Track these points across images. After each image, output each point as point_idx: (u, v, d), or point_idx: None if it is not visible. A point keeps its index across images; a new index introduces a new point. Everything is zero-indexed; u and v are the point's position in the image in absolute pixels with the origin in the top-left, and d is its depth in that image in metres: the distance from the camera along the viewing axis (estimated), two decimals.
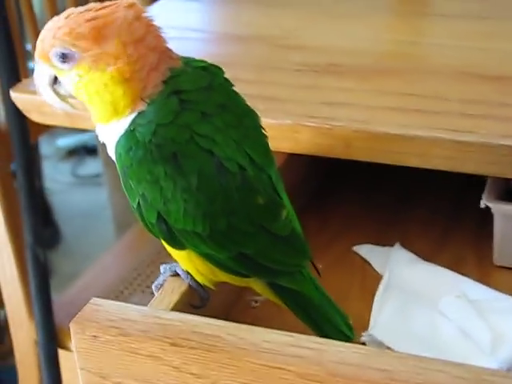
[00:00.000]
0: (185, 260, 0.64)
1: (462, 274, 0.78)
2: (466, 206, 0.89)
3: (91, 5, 0.60)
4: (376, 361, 0.54)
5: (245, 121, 0.63)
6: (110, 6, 0.60)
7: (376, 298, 0.75)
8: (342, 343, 0.56)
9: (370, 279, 0.80)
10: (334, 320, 0.66)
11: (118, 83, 0.58)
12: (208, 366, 0.56)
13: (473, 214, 0.84)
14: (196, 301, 0.67)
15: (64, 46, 0.58)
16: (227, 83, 0.64)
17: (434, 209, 0.91)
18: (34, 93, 0.68)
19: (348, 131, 0.75)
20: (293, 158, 0.83)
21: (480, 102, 0.80)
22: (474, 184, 0.81)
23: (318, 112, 0.78)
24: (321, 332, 0.66)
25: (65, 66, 0.59)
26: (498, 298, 0.74)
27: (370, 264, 0.82)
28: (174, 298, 0.65)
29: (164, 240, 0.63)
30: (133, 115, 0.60)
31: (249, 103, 0.65)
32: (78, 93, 0.60)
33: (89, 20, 0.58)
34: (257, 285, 0.67)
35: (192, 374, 0.57)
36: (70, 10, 0.59)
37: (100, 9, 0.59)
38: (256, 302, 0.78)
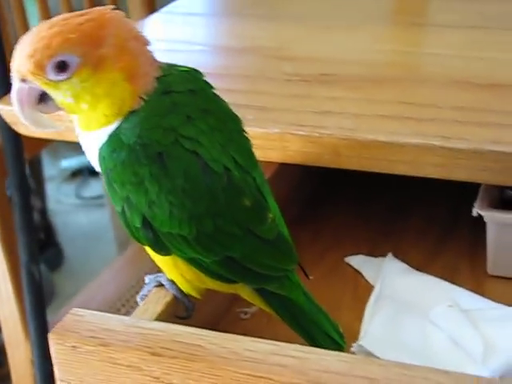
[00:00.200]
0: (170, 266, 0.63)
1: (456, 283, 0.77)
2: (460, 215, 0.88)
3: (69, 14, 0.59)
4: (360, 369, 0.53)
5: (228, 125, 0.63)
6: (95, 11, 0.59)
7: (367, 309, 0.74)
8: (326, 351, 0.55)
9: (362, 290, 0.78)
10: (324, 327, 0.65)
11: (125, 80, 0.58)
12: (189, 376, 0.55)
13: (467, 223, 0.83)
14: (181, 311, 0.66)
15: (63, 54, 0.56)
16: (208, 87, 0.64)
17: (428, 218, 0.90)
18: None
19: (337, 139, 0.74)
20: (284, 168, 0.82)
21: (471, 109, 0.79)
22: (468, 193, 0.80)
23: (307, 121, 0.77)
24: (311, 340, 0.65)
25: (61, 77, 0.57)
26: (491, 306, 0.72)
27: (362, 275, 0.81)
28: (158, 308, 0.64)
29: (149, 245, 0.62)
30: (118, 121, 0.59)
31: (239, 113, 0.65)
32: (79, 100, 0.58)
33: (81, 24, 0.57)
34: (244, 291, 0.66)
35: None
36: (51, 21, 0.58)
37: (85, 14, 0.58)
38: (246, 313, 0.76)
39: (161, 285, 0.66)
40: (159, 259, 0.63)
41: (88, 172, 2.63)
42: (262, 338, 0.57)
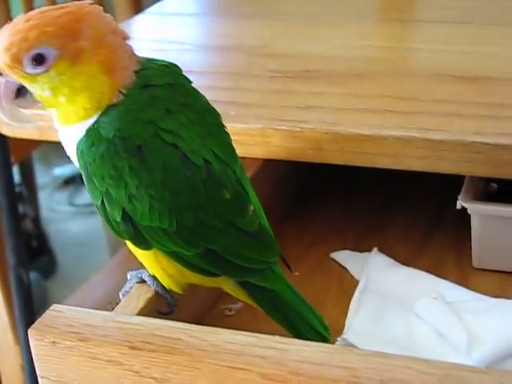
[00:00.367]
0: (151, 261, 0.63)
1: (442, 277, 0.76)
2: (446, 209, 0.87)
3: (46, 7, 0.59)
4: (339, 358, 0.52)
5: (207, 118, 0.63)
6: (73, 4, 0.59)
7: (352, 303, 0.73)
8: (306, 342, 0.54)
9: (347, 285, 0.78)
10: (309, 320, 0.65)
11: (104, 73, 0.58)
12: (169, 370, 0.55)
13: (453, 217, 0.83)
14: (163, 307, 0.66)
15: (40, 47, 0.56)
16: (187, 82, 0.64)
17: (414, 213, 0.89)
18: None
19: (319, 133, 0.74)
20: (269, 165, 0.82)
21: (454, 101, 0.79)
22: (454, 187, 0.80)
23: (289, 115, 0.77)
24: (297, 333, 0.64)
25: (39, 70, 0.57)
26: (475, 298, 0.72)
27: (347, 270, 0.80)
28: (140, 304, 0.64)
29: (130, 239, 0.61)
30: (97, 115, 0.58)
31: (220, 110, 0.65)
32: (57, 93, 0.58)
33: (58, 17, 0.57)
34: (227, 285, 0.65)
35: (153, 378, 0.55)
36: (28, 15, 0.58)
37: (62, 8, 0.58)
38: (230, 310, 0.76)
39: (143, 281, 0.66)
40: (140, 254, 0.63)
41: (81, 179, 2.60)
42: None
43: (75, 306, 1.20)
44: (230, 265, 0.62)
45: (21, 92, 0.59)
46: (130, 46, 0.60)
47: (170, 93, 0.61)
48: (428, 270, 0.78)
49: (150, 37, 1.07)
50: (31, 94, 0.58)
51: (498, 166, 0.71)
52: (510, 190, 0.78)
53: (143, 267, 0.65)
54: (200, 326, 0.57)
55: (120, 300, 0.66)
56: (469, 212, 0.76)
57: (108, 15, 0.60)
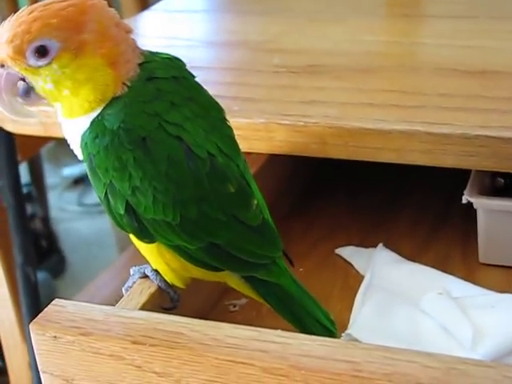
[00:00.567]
0: (155, 255, 0.63)
1: (448, 272, 0.76)
2: (452, 204, 0.87)
3: (50, 0, 0.59)
4: (342, 352, 0.52)
5: (211, 113, 0.63)
6: None
7: (356, 299, 0.73)
8: (307, 336, 0.54)
9: (353, 281, 0.77)
10: (315, 314, 0.64)
11: (107, 66, 0.57)
12: (170, 364, 0.54)
13: (459, 212, 0.82)
14: (166, 302, 0.66)
15: (43, 39, 0.56)
16: (191, 76, 0.64)
17: (420, 208, 0.89)
18: None
19: (323, 128, 0.74)
20: (274, 160, 0.82)
21: (459, 95, 0.78)
22: (460, 182, 0.79)
23: (293, 110, 0.77)
24: (302, 327, 0.64)
25: (41, 62, 0.56)
26: (481, 293, 0.71)
27: (352, 266, 0.80)
28: (142, 299, 0.63)
29: (133, 233, 0.61)
30: (101, 108, 0.58)
31: (224, 105, 0.64)
32: (59, 86, 0.57)
33: (62, 10, 0.57)
34: (232, 279, 0.65)
35: (155, 372, 0.55)
36: (31, 7, 0.58)
37: (65, 1, 0.58)
38: (234, 306, 0.76)
39: (146, 276, 0.65)
40: (144, 248, 0.63)
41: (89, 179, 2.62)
42: None
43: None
44: (233, 259, 0.62)
45: (26, 91, 0.58)
46: (133, 40, 0.60)
47: (175, 86, 0.61)
48: (434, 266, 0.77)
49: (155, 33, 1.07)
50: (35, 91, 0.58)
51: (504, 159, 0.70)
52: None
53: (147, 262, 0.65)
54: (201, 321, 0.57)
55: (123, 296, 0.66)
56: (475, 207, 0.76)
57: (111, 9, 0.60)
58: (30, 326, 0.57)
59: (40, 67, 0.57)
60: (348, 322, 0.71)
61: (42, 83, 0.58)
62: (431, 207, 0.89)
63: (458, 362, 0.50)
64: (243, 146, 0.65)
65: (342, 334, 0.68)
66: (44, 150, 2.32)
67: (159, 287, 0.65)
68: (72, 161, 2.65)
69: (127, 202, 0.59)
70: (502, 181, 0.80)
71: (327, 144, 0.74)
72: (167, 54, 0.63)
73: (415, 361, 0.51)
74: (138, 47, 0.60)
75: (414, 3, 1.12)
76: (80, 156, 0.60)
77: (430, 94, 0.78)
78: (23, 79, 0.58)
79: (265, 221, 0.63)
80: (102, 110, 0.58)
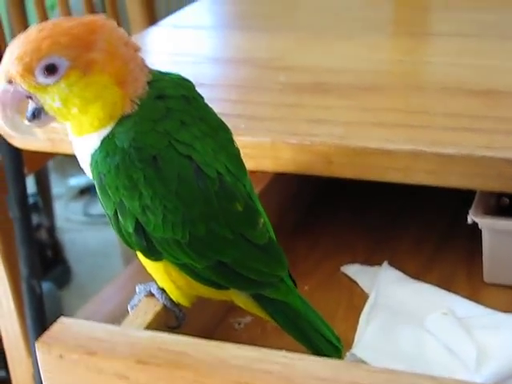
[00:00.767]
0: (161, 273, 0.63)
1: (452, 291, 0.76)
2: (457, 223, 0.87)
3: (59, 18, 0.59)
4: (346, 374, 0.52)
5: (219, 133, 0.63)
6: (86, 17, 0.59)
7: (361, 318, 0.73)
8: (312, 357, 0.54)
9: (357, 299, 0.78)
10: (321, 330, 0.65)
11: (116, 84, 0.58)
12: None
13: (464, 231, 0.82)
14: (172, 321, 0.66)
15: (52, 57, 0.56)
16: (199, 96, 0.64)
17: (425, 227, 0.89)
18: None
19: (328, 147, 0.74)
20: (280, 178, 0.82)
21: (465, 115, 0.78)
22: (465, 201, 0.79)
23: (299, 129, 0.77)
24: (310, 344, 0.64)
25: (50, 80, 0.56)
26: (486, 313, 0.71)
27: (357, 284, 0.80)
28: (148, 317, 0.64)
29: (141, 251, 0.61)
30: (111, 126, 0.59)
31: (231, 123, 0.65)
32: (68, 104, 0.57)
33: (71, 28, 0.57)
34: (238, 298, 0.65)
35: None
36: (41, 25, 0.58)
37: (75, 20, 0.58)
38: (239, 323, 0.76)
39: (151, 294, 0.66)
40: (150, 265, 0.63)
41: (95, 190, 2.63)
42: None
43: (86, 317, 1.21)
44: (239, 277, 0.62)
45: (36, 112, 0.59)
46: (141, 58, 0.60)
47: (184, 105, 0.61)
48: (438, 285, 0.77)
49: (162, 49, 1.07)
50: (44, 111, 0.58)
51: (509, 180, 0.70)
52: None
53: (153, 279, 0.65)
54: (206, 341, 0.57)
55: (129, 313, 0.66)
56: (480, 227, 0.76)
57: (120, 28, 0.60)
58: (36, 344, 0.58)
59: (48, 85, 0.57)
60: (353, 341, 0.71)
61: (50, 101, 0.58)
62: (436, 226, 0.89)
63: None
64: (249, 165, 0.66)
65: (347, 354, 0.69)
66: (50, 160, 2.33)
67: (165, 306, 0.65)
68: (78, 171, 2.64)
69: (137, 220, 0.59)
70: (508, 200, 0.80)
71: (333, 163, 0.74)
72: (176, 74, 0.64)
73: (418, 383, 0.51)
74: (146, 66, 0.61)
75: (421, 22, 1.13)
76: (90, 174, 0.61)
77: (436, 114, 0.78)
78: (30, 97, 0.58)
79: (271, 240, 0.64)
80: (113, 127, 0.59)
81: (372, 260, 0.83)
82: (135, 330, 0.59)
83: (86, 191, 2.66)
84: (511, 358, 0.64)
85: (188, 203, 0.58)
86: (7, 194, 1.14)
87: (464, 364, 0.65)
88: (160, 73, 0.62)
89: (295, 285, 0.67)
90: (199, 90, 0.64)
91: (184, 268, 0.62)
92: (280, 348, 0.68)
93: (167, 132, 0.58)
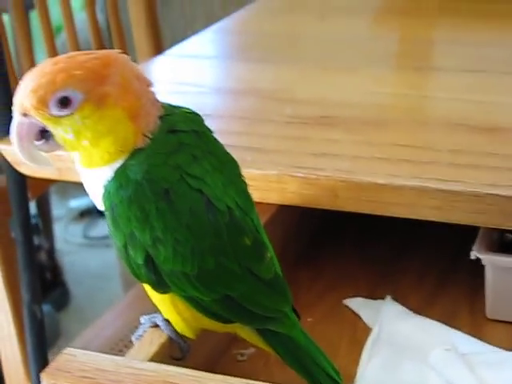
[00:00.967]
0: (167, 305, 0.63)
1: (455, 327, 0.76)
2: (460, 258, 0.87)
3: (74, 52, 0.60)
4: None
5: (228, 167, 0.64)
6: (100, 51, 0.60)
7: (364, 352, 0.73)
8: None
9: (361, 333, 0.78)
10: (322, 365, 0.65)
11: (128, 118, 0.58)
12: None
13: (467, 266, 0.82)
14: (176, 353, 0.66)
15: (67, 89, 0.57)
16: (209, 130, 0.65)
17: (428, 261, 0.89)
18: None
19: (335, 181, 0.75)
20: (283, 210, 0.82)
21: (469, 152, 0.79)
22: (468, 236, 0.80)
23: (305, 162, 0.78)
24: (310, 377, 0.65)
25: (64, 112, 0.57)
26: (489, 350, 0.72)
27: (360, 318, 0.80)
28: (153, 349, 0.64)
29: (149, 283, 0.62)
30: (123, 158, 0.59)
31: (237, 155, 0.66)
32: (80, 137, 0.58)
33: (85, 62, 0.58)
34: (242, 331, 0.66)
35: None
36: (56, 59, 0.59)
37: (90, 53, 0.59)
38: (242, 355, 0.76)
39: (156, 325, 0.66)
40: (156, 297, 0.64)
41: (96, 212, 2.63)
42: (258, 380, 0.57)
43: (85, 343, 1.21)
44: (245, 312, 0.62)
45: (44, 136, 0.59)
46: (153, 93, 0.61)
47: (195, 139, 0.62)
48: (441, 320, 0.77)
49: (167, 78, 1.08)
50: (54, 137, 0.59)
51: None
52: None
53: (158, 310, 0.66)
54: (212, 374, 0.57)
55: (131, 341, 0.67)
56: (483, 263, 0.76)
57: (134, 63, 0.61)
58: (42, 375, 0.58)
59: (62, 117, 0.58)
60: (355, 375, 0.71)
61: (62, 133, 0.58)
62: (439, 260, 0.89)
63: None
64: (255, 196, 0.66)
65: None
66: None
67: (170, 337, 0.65)
68: (78, 193, 2.66)
69: (147, 252, 0.59)
70: (511, 236, 0.81)
71: (338, 197, 0.75)
72: (187, 108, 0.64)
73: None
74: (157, 100, 0.61)
75: (425, 56, 1.14)
76: (100, 205, 0.61)
77: (441, 150, 0.79)
78: (45, 129, 0.59)
79: (277, 274, 0.64)
80: (125, 160, 0.59)
81: (374, 293, 0.83)
82: (141, 362, 0.60)
83: (86, 213, 2.67)
84: None
85: (198, 236, 0.59)
86: (10, 217, 1.15)
87: None
88: (170, 106, 0.63)
89: (299, 317, 0.68)
90: (205, 120, 0.65)
91: (190, 301, 0.62)
92: (283, 381, 0.69)
93: (179, 166, 0.59)
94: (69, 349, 0.60)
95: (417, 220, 0.75)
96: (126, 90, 0.58)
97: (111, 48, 1.31)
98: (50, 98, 0.57)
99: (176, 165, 0.59)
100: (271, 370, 0.73)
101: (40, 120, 0.58)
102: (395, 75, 1.07)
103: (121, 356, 0.93)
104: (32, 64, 1.21)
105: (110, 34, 1.66)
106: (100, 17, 1.38)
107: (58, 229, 2.52)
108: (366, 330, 0.78)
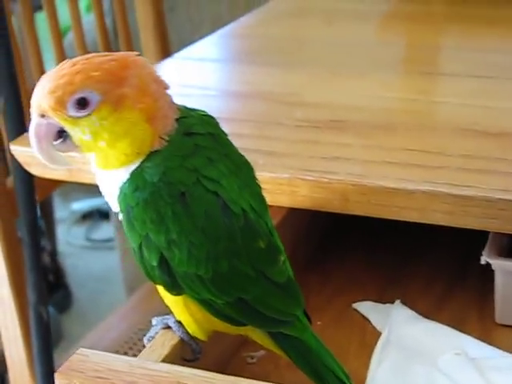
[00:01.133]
0: (180, 307, 0.64)
1: (464, 332, 0.76)
2: (469, 263, 0.87)
3: (91, 54, 0.61)
4: None
5: (243, 170, 0.64)
6: (118, 53, 0.61)
7: (374, 356, 0.73)
8: None
9: (370, 337, 0.78)
10: (332, 368, 0.65)
11: (145, 121, 0.59)
12: None
13: (476, 271, 0.83)
14: (188, 354, 0.66)
15: (84, 91, 0.57)
16: (223, 133, 0.65)
17: (437, 266, 0.89)
18: None
19: (346, 185, 0.75)
20: (293, 213, 0.83)
21: (479, 157, 0.79)
22: (477, 241, 0.80)
23: (316, 166, 0.78)
24: (321, 380, 0.65)
25: (81, 113, 0.58)
26: (498, 355, 0.72)
27: (369, 321, 0.81)
28: (165, 350, 0.64)
29: (163, 285, 0.62)
30: (140, 160, 0.60)
31: (248, 158, 0.66)
32: (97, 138, 0.59)
33: (103, 63, 0.58)
34: (254, 333, 0.66)
35: None
36: (74, 60, 0.59)
37: (107, 55, 0.60)
38: (252, 358, 0.76)
39: (168, 327, 0.66)
40: (170, 299, 0.64)
41: (98, 215, 2.64)
42: (268, 382, 0.57)
43: (90, 345, 1.21)
44: (258, 315, 0.63)
45: (61, 136, 0.60)
46: (170, 96, 0.61)
47: (212, 142, 0.62)
48: (450, 324, 0.78)
49: (175, 81, 1.07)
50: (71, 138, 0.59)
51: None
52: None
53: (169, 312, 0.66)
54: (225, 376, 0.58)
55: (136, 343, 0.67)
56: (493, 268, 0.76)
57: (151, 65, 0.61)
58: (55, 375, 0.58)
59: (79, 118, 0.58)
60: (364, 379, 0.71)
61: (79, 134, 0.59)
62: (448, 265, 0.89)
63: None
64: (266, 199, 0.67)
65: None
66: None
67: (181, 339, 0.65)
68: (81, 196, 2.67)
69: (161, 254, 0.60)
70: None
71: (349, 201, 0.75)
72: (202, 111, 0.65)
73: None
74: (174, 103, 0.62)
75: (432, 61, 1.14)
76: (115, 207, 0.61)
77: (452, 155, 0.79)
78: (62, 130, 0.59)
79: (289, 278, 0.64)
80: (141, 162, 0.59)
81: (383, 298, 0.83)
82: (155, 363, 0.60)
83: (89, 216, 2.67)
84: None
85: (213, 239, 0.59)
86: (16, 218, 1.15)
87: None
88: (186, 108, 0.63)
89: (310, 321, 0.68)
90: None
91: (204, 303, 0.62)
92: (292, 383, 0.69)
93: (195, 168, 0.60)
94: (82, 349, 0.60)
95: (426, 224, 0.76)
96: (144, 92, 0.59)
97: (117, 50, 1.32)
98: (68, 98, 0.57)
99: (192, 167, 0.60)
100: (281, 373, 0.73)
101: (58, 121, 0.58)
102: (403, 80, 1.07)
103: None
104: (40, 66, 1.22)
105: (115, 36, 1.67)
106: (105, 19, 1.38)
107: (61, 231, 2.53)
108: (375, 334, 0.78)
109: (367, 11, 1.39)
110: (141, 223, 0.59)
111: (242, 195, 0.62)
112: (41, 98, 0.58)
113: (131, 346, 1.27)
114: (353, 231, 0.96)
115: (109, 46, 1.35)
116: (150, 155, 0.60)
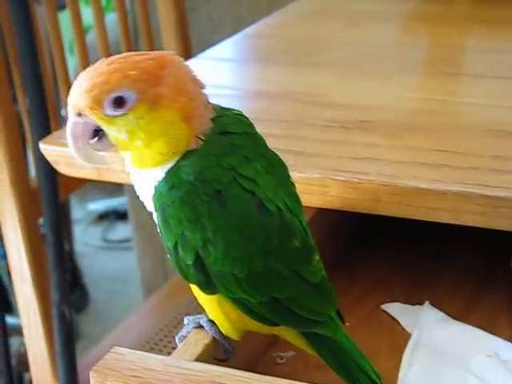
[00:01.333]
0: (214, 306, 0.63)
1: (494, 333, 0.76)
2: (498, 264, 0.87)
3: (128, 53, 0.60)
4: None
5: (278, 169, 0.64)
6: (155, 52, 0.61)
7: (404, 358, 0.73)
8: None
9: (399, 338, 0.78)
10: (364, 368, 0.65)
11: (182, 120, 0.59)
12: None
13: (505, 273, 0.83)
14: (220, 354, 0.66)
15: (121, 90, 0.57)
16: (258, 133, 0.65)
17: (466, 267, 0.89)
18: (64, 145, 0.67)
19: (377, 185, 0.75)
20: (321, 214, 0.82)
21: (511, 158, 0.79)
22: (507, 243, 0.80)
23: (347, 166, 0.77)
24: (353, 380, 0.65)
25: (118, 112, 0.57)
26: None
27: (398, 323, 0.80)
28: (198, 349, 0.64)
29: (197, 284, 0.62)
30: (175, 160, 0.60)
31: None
32: (133, 137, 0.58)
33: (140, 62, 0.58)
34: (287, 333, 0.66)
35: None
36: (110, 59, 0.59)
37: (144, 54, 0.60)
38: (281, 358, 0.76)
39: (200, 326, 0.66)
40: (203, 298, 0.64)
41: (115, 215, 2.65)
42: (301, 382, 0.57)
43: (113, 344, 1.21)
44: (292, 315, 0.62)
45: (97, 135, 0.60)
46: (206, 95, 0.61)
47: (247, 141, 0.62)
48: (479, 327, 0.77)
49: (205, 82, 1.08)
50: (107, 137, 0.59)
51: None
52: None
53: (202, 312, 0.66)
54: (260, 375, 0.57)
55: (163, 344, 0.67)
56: None
57: (187, 65, 0.61)
58: (90, 373, 0.58)
59: (116, 117, 0.58)
60: (395, 380, 0.71)
61: (116, 133, 0.59)
62: (476, 267, 0.89)
63: None
64: None
65: None
66: None
67: (214, 338, 0.65)
68: (98, 196, 2.68)
69: (197, 253, 0.59)
70: None
71: (380, 201, 0.75)
72: (237, 110, 0.65)
73: None
74: (209, 102, 0.62)
75: (457, 62, 1.14)
76: (150, 206, 0.61)
77: (483, 156, 0.79)
78: (99, 128, 0.59)
79: (323, 278, 0.64)
80: (177, 161, 0.59)
81: (411, 299, 0.83)
82: (189, 362, 0.59)
83: (105, 216, 2.68)
84: None
85: (249, 238, 0.59)
86: (40, 218, 1.15)
87: None
88: (221, 108, 0.63)
89: (343, 321, 0.68)
90: None
91: (238, 303, 0.62)
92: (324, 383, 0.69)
93: (232, 167, 0.59)
94: (116, 348, 0.60)
95: (454, 226, 0.75)
96: (180, 91, 0.59)
97: (138, 50, 1.31)
98: (105, 97, 0.57)
99: (229, 166, 0.59)
100: (310, 373, 0.73)
101: (94, 120, 0.58)
102: (429, 81, 1.07)
103: None
104: (64, 65, 1.22)
105: (135, 35, 1.67)
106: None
107: (78, 231, 2.54)
108: (405, 335, 0.78)
109: (389, 12, 1.39)
110: (176, 222, 0.59)
111: (278, 194, 0.61)
112: (78, 97, 0.58)
113: (152, 346, 1.27)
114: (381, 231, 0.95)
115: (130, 46, 1.36)
116: (186, 154, 0.59)
